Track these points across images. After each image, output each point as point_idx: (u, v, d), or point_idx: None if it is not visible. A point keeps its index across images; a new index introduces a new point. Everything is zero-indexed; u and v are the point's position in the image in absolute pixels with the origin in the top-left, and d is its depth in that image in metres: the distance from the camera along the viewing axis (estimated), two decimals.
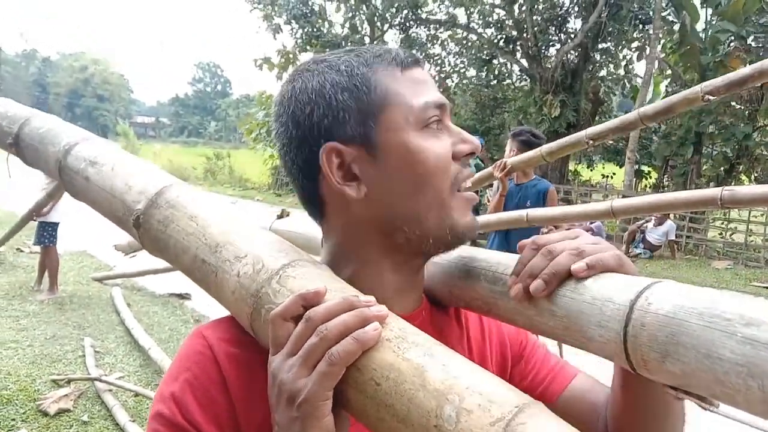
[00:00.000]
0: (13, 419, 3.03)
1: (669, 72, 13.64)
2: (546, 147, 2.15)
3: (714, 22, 11.76)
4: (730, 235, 10.28)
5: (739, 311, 0.40)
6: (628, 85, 15.01)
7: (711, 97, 1.48)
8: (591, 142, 1.88)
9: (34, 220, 5.19)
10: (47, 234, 5.12)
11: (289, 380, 0.47)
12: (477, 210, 0.98)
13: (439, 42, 16.88)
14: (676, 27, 12.34)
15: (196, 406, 0.55)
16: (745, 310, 0.40)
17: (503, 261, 0.61)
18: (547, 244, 0.56)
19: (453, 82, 16.88)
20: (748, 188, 1.52)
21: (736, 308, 0.41)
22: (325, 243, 0.65)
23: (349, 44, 16.56)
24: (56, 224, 5.17)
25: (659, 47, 12.07)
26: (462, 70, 16.98)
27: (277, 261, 0.56)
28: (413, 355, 0.46)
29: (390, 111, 0.58)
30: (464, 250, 0.66)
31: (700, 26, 11.91)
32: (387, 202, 0.58)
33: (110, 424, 3.09)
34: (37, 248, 5.42)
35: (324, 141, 0.57)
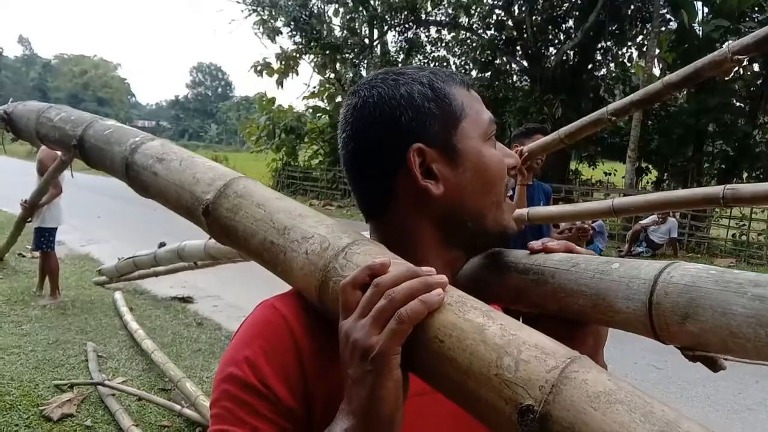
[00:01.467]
0: (17, 425, 3.03)
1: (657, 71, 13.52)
2: (564, 129, 1.97)
3: (710, 20, 11.73)
4: (741, 236, 10.20)
5: (748, 277, 0.49)
6: (628, 87, 14.94)
7: (740, 57, 1.40)
8: (614, 118, 1.75)
9: (29, 222, 5.20)
10: (44, 239, 5.12)
11: (362, 338, 0.52)
12: None
13: (444, 44, 16.86)
14: (674, 25, 12.32)
15: (270, 369, 0.60)
16: (752, 276, 0.49)
17: (529, 255, 0.68)
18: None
19: None
20: (750, 186, 1.49)
21: (745, 275, 0.50)
22: (376, 236, 0.70)
23: (348, 46, 16.57)
24: (53, 229, 5.18)
25: (656, 47, 12.02)
26: (463, 71, 16.99)
27: (342, 240, 0.62)
28: (473, 316, 0.51)
29: (466, 121, 0.66)
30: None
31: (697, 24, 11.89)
32: (460, 199, 0.66)
33: (114, 428, 3.09)
34: (38, 253, 5.43)
35: (411, 142, 0.64)
